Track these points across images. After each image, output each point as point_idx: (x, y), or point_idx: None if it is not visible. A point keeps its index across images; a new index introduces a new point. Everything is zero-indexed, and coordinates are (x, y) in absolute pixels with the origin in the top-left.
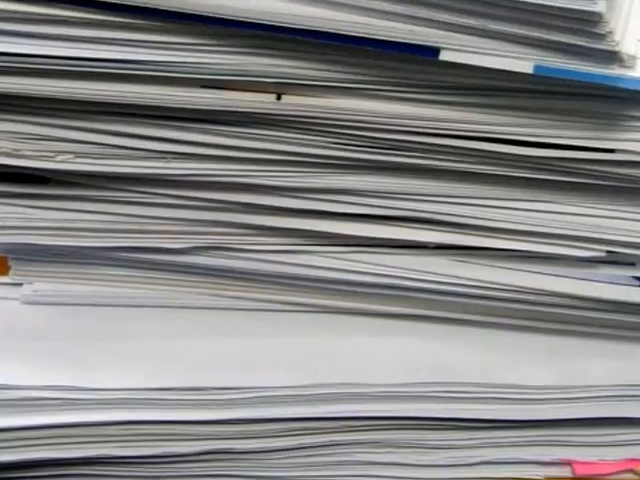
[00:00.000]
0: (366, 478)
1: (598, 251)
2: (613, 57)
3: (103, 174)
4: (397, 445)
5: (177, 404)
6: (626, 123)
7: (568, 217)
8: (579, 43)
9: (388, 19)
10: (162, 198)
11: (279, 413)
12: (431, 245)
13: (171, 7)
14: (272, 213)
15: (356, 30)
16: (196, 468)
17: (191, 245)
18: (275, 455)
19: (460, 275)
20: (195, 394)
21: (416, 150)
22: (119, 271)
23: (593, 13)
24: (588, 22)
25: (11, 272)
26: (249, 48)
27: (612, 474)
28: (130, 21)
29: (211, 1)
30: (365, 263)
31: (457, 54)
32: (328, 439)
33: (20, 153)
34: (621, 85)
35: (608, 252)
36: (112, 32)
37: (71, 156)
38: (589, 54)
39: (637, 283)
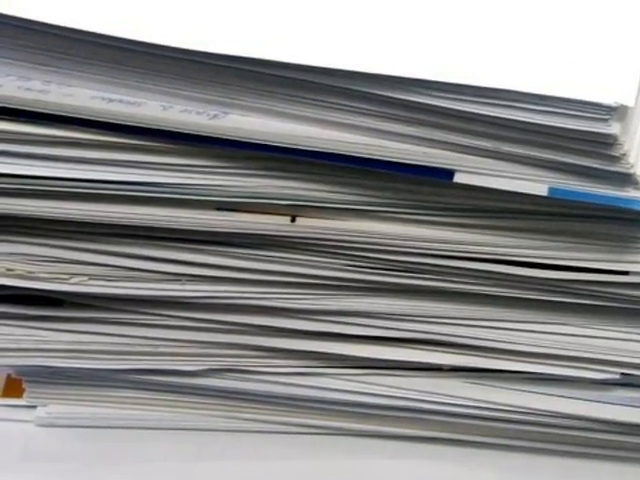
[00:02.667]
0: None
1: (612, 373)
2: (628, 179)
3: (117, 296)
4: None
5: None
6: None
7: (582, 339)
8: (593, 165)
9: (402, 141)
10: (176, 320)
11: None
12: (445, 367)
13: (186, 130)
14: (286, 335)
15: (370, 152)
16: None
17: (205, 367)
18: None
19: (474, 397)
20: None
21: (430, 272)
22: (133, 393)
23: (608, 135)
24: (603, 144)
25: (25, 394)
26: (263, 170)
27: None
28: (144, 143)
29: (226, 124)
30: (379, 385)
31: (471, 176)
32: None
33: (34, 275)
34: (635, 207)
35: (622, 374)
36: (126, 154)
37: (85, 278)
38: (603, 176)
39: None
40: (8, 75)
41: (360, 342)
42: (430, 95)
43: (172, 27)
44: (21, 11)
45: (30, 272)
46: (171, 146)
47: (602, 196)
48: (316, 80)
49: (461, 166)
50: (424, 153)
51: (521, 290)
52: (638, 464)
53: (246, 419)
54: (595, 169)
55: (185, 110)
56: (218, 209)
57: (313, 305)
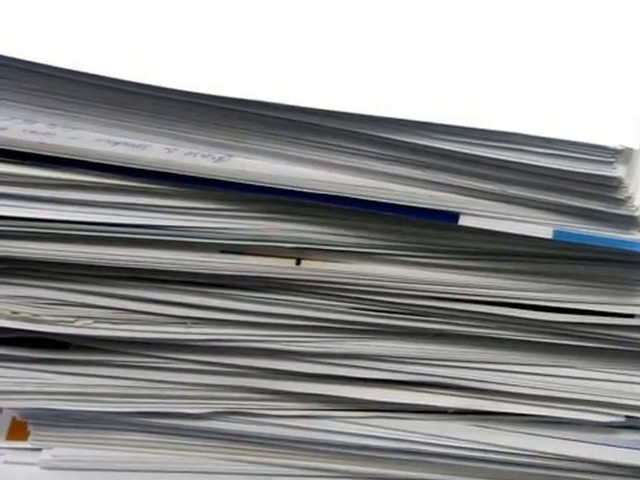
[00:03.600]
0: None
1: (617, 416)
2: (633, 222)
3: (122, 339)
4: None
5: None
6: None
7: (587, 382)
8: (598, 208)
9: (408, 184)
10: (181, 363)
11: None
12: (450, 410)
13: (191, 173)
14: (291, 378)
15: (375, 195)
16: None
17: (210, 410)
18: None
19: (479, 440)
20: None
21: (435, 315)
22: (138, 436)
23: (613, 178)
24: (608, 187)
25: (30, 437)
26: (268, 213)
27: None
28: (148, 186)
29: (231, 167)
30: (384, 428)
31: (477, 219)
32: None
33: (39, 318)
34: None
35: (627, 417)
36: (130, 197)
37: (91, 321)
38: (608, 219)
39: None
40: (13, 118)
41: (365, 385)
42: (436, 138)
43: (177, 70)
44: (26, 54)
45: (35, 315)
46: (175, 189)
47: (607, 239)
48: (322, 123)
49: (466, 209)
50: (430, 196)
51: (526, 333)
52: None
53: (251, 462)
54: (600, 212)
55: (190, 153)
56: (222, 252)
57: (318, 348)
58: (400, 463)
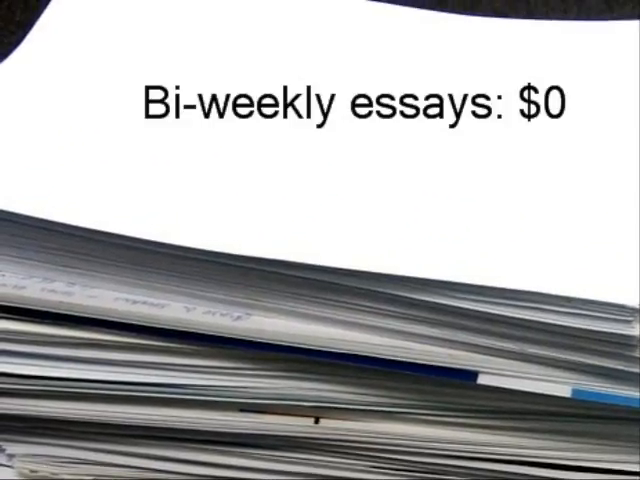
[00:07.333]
0: None
1: None
2: None
3: None
4: None
5: None
6: None
7: None
8: (617, 367)
9: (426, 343)
10: None
11: None
12: None
13: (209, 332)
14: None
15: (394, 354)
16: None
17: None
18: None
19: None
20: None
21: (454, 474)
22: None
23: (631, 337)
24: (625, 346)
25: None
26: (287, 372)
27: None
28: (167, 345)
29: (250, 325)
30: None
31: (495, 378)
32: None
33: (58, 477)
34: None
35: None
36: (149, 356)
37: None
38: (626, 377)
39: None
40: (32, 277)
41: None
42: (455, 297)
43: (195, 228)
44: (44, 212)
45: (54, 474)
46: (195, 347)
47: (625, 398)
48: (340, 281)
49: (485, 367)
50: (448, 355)
51: None
52: None
53: None
54: (618, 370)
55: (209, 312)
56: (241, 410)
57: None
58: None
